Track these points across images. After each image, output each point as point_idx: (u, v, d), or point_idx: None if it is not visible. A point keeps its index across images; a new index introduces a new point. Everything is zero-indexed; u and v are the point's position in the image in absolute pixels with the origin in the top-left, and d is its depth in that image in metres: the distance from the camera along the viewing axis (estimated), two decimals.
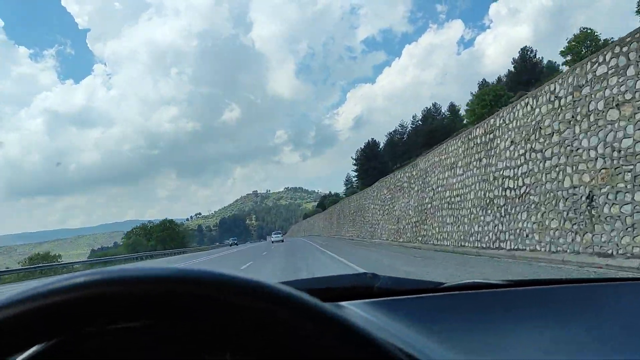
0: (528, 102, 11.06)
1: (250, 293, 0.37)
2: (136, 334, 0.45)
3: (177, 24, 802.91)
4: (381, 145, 67.27)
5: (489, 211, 13.03)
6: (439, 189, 17.26)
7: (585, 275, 7.64)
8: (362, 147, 66.98)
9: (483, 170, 13.53)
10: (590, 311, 0.75)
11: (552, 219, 9.92)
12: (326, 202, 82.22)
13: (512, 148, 11.84)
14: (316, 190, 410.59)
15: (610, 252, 8.10)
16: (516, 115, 11.64)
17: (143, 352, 0.47)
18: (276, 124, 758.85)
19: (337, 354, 0.37)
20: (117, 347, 0.47)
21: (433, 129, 52.37)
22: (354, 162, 68.54)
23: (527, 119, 11.06)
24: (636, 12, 30.42)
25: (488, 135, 13.25)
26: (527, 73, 46.52)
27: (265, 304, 0.37)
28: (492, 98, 36.87)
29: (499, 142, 12.60)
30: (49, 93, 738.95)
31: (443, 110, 61.20)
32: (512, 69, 50.59)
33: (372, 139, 69.80)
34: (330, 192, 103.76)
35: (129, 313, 0.37)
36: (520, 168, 11.38)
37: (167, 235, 57.93)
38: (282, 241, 51.16)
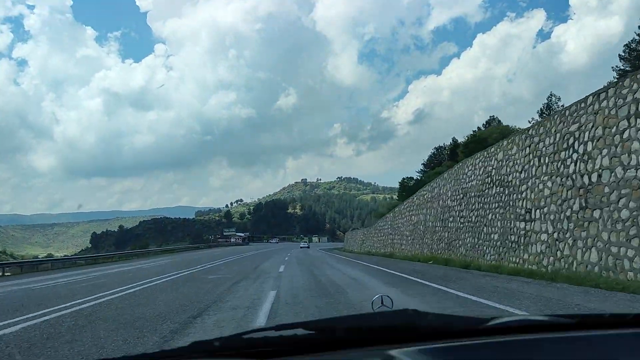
0: None
1: None
2: None
3: (238, 4, 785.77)
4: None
5: None
6: None
7: None
8: None
9: None
10: None
11: None
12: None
13: None
14: (373, 183, 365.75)
15: None
16: None
17: None
18: (332, 115, 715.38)
19: None
20: None
21: None
22: None
23: None
24: None
25: None
26: None
27: None
28: None
29: None
30: (108, 72, 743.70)
31: None
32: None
33: None
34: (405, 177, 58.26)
35: None
36: None
37: None
38: (309, 247, 67.41)
